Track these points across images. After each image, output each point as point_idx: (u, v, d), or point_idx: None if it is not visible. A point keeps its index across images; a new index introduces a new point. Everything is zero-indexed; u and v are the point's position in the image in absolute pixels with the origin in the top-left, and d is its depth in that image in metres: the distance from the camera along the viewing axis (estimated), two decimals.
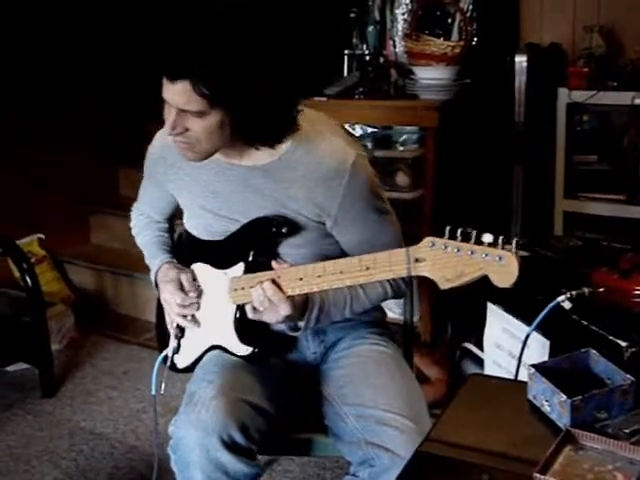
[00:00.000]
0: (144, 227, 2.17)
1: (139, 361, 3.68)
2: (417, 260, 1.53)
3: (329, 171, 1.78)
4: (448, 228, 1.47)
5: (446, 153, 3.26)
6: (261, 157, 1.82)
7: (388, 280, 1.86)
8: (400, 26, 3.58)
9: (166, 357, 2.03)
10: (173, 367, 2.04)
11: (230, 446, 1.72)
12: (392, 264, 1.58)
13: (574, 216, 3.44)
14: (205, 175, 1.89)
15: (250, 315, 1.80)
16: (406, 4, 3.57)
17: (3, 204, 3.88)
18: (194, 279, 1.96)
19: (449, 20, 3.55)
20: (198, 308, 1.96)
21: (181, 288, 1.94)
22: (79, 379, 3.55)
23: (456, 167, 3.36)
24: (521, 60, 3.47)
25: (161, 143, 1.96)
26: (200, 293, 1.95)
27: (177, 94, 1.65)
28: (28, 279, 3.28)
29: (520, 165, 3.57)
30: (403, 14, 3.58)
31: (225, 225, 1.90)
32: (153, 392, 2.02)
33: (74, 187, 4.40)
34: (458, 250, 1.45)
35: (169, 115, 1.69)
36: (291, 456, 2.78)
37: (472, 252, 1.43)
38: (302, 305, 1.79)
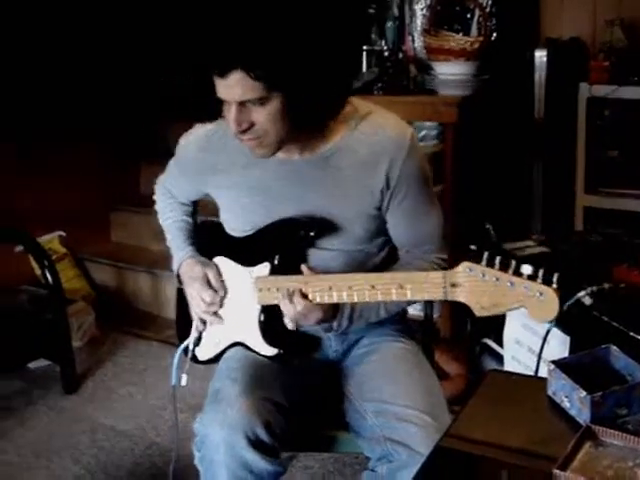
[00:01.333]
0: (169, 207, 2.14)
1: (159, 358, 3.69)
2: (453, 285, 1.52)
3: (391, 142, 1.79)
4: (486, 254, 1.46)
5: (466, 148, 3.25)
6: (320, 146, 1.81)
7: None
8: (419, 21, 3.57)
9: (187, 348, 2.03)
10: (194, 358, 2.04)
11: (255, 444, 1.72)
12: (428, 286, 1.57)
13: (595, 211, 3.41)
14: (256, 174, 1.86)
15: (288, 326, 1.81)
16: (425, 0, 3.56)
17: (24, 202, 3.91)
18: (219, 275, 1.95)
19: (468, 15, 3.53)
20: (222, 305, 1.95)
21: (208, 285, 1.94)
22: (100, 376, 3.57)
23: (476, 163, 3.35)
24: (541, 55, 3.45)
25: (198, 145, 1.93)
26: (225, 290, 1.95)
27: (232, 87, 1.61)
28: (49, 276, 3.30)
29: (540, 160, 3.55)
30: (422, 9, 3.57)
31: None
32: (173, 382, 2.02)
33: (95, 184, 4.42)
34: (497, 279, 1.44)
35: (230, 113, 1.66)
36: (312, 452, 2.78)
37: (512, 283, 1.42)
38: (331, 308, 1.79)
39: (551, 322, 1.40)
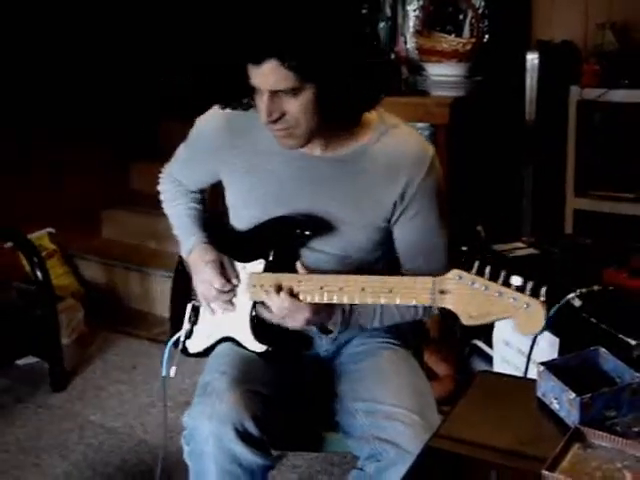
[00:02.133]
0: (177, 194, 2.10)
1: (149, 356, 3.68)
2: (442, 292, 1.53)
3: (411, 160, 1.79)
4: (477, 264, 1.46)
5: (457, 150, 3.25)
6: (341, 149, 1.81)
7: None
8: (411, 22, 3.58)
9: (177, 340, 2.02)
10: (184, 351, 2.03)
11: (244, 437, 1.72)
12: (416, 291, 1.58)
13: (585, 214, 3.43)
14: (274, 164, 1.85)
15: (270, 320, 1.81)
16: (417, 0, 3.57)
17: (15, 198, 3.90)
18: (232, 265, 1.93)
19: (460, 17, 3.54)
20: (235, 296, 1.93)
21: (221, 273, 1.91)
22: (89, 373, 3.56)
23: (467, 164, 3.36)
24: (533, 57, 3.47)
25: (217, 124, 1.89)
26: (238, 281, 1.91)
27: (266, 75, 1.60)
28: (39, 273, 3.30)
29: (531, 163, 3.57)
30: (414, 10, 3.58)
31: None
32: (163, 374, 2.02)
33: (85, 182, 4.41)
34: (486, 288, 1.44)
35: (262, 102, 1.65)
36: (301, 452, 2.78)
37: (500, 293, 1.42)
38: (325, 310, 1.79)
39: (536, 335, 1.39)
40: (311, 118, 1.67)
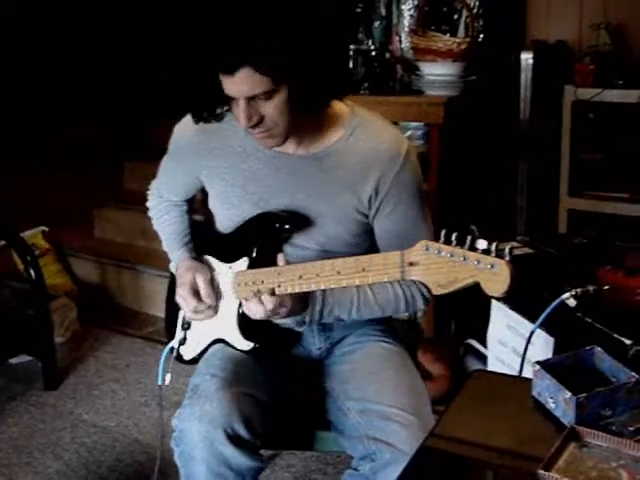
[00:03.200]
0: (163, 210, 2.13)
1: (142, 354, 3.68)
2: (411, 264, 1.52)
3: (384, 155, 1.79)
4: (444, 232, 1.45)
5: (451, 149, 3.26)
6: (315, 145, 1.82)
7: (402, 289, 1.87)
8: (406, 22, 3.59)
9: (172, 348, 2.03)
10: (179, 358, 2.03)
11: (234, 439, 1.71)
12: (387, 267, 1.57)
13: (579, 214, 3.43)
14: (251, 164, 1.87)
15: (253, 317, 1.81)
16: (412, 0, 3.57)
17: (8, 197, 3.89)
18: (210, 281, 1.93)
19: (455, 16, 3.55)
20: (216, 311, 1.94)
21: (195, 292, 1.92)
22: (82, 372, 3.55)
23: (461, 163, 3.36)
24: (527, 57, 3.47)
25: (194, 128, 1.90)
26: (218, 295, 1.93)
27: (240, 83, 1.62)
28: (32, 271, 3.28)
29: (525, 162, 3.57)
30: (409, 10, 3.59)
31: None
32: (159, 382, 2.01)
33: (78, 181, 4.41)
34: (451, 255, 1.43)
35: (239, 109, 1.66)
36: (293, 451, 2.78)
37: (465, 258, 1.41)
38: (303, 300, 1.80)
39: (503, 295, 1.38)
40: (287, 116, 1.69)
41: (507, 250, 1.38)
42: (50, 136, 4.17)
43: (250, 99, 1.65)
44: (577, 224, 3.41)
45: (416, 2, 3.56)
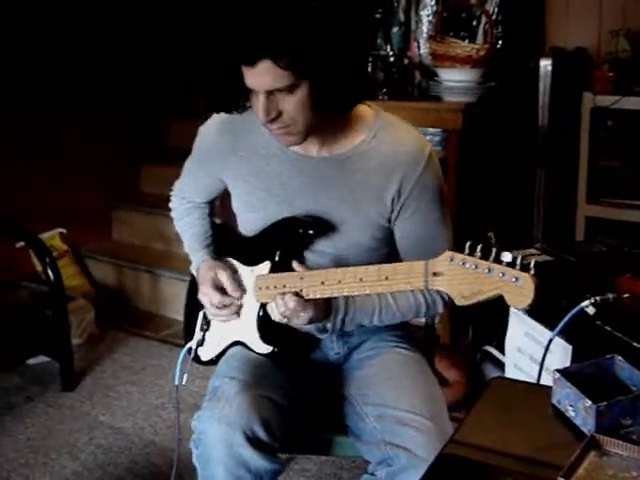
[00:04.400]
0: (184, 212, 2.13)
1: (158, 357, 3.70)
2: (435, 274, 1.53)
3: (407, 156, 1.80)
4: (468, 243, 1.47)
5: (469, 156, 3.26)
6: (338, 147, 1.83)
7: (423, 294, 1.87)
8: (425, 28, 3.58)
9: (190, 349, 2.04)
10: (197, 359, 2.04)
11: (253, 442, 1.72)
12: (410, 276, 1.58)
13: (596, 221, 3.42)
14: (275, 166, 1.87)
15: (274, 318, 1.81)
16: (431, 6, 3.57)
17: (27, 199, 3.91)
18: (234, 277, 1.94)
19: (474, 22, 3.55)
20: (238, 308, 1.95)
21: (217, 287, 1.93)
22: (99, 373, 3.57)
23: (479, 170, 3.36)
24: (546, 64, 3.47)
25: (219, 128, 1.92)
26: (242, 291, 1.94)
27: (261, 75, 1.61)
28: (50, 273, 3.30)
29: (543, 169, 3.56)
30: (428, 16, 3.58)
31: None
32: (176, 382, 2.03)
33: (96, 183, 4.43)
34: (476, 267, 1.44)
35: (258, 102, 1.66)
36: (310, 455, 2.78)
37: (489, 270, 1.42)
38: (325, 308, 1.80)
39: (527, 308, 1.39)
40: (308, 114, 1.68)
41: (532, 264, 1.38)
42: (68, 138, 4.19)
43: (270, 93, 1.64)
44: (594, 231, 3.40)
45: (435, 8, 3.56)
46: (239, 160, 1.90)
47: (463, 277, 1.47)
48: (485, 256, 1.44)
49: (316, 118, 1.71)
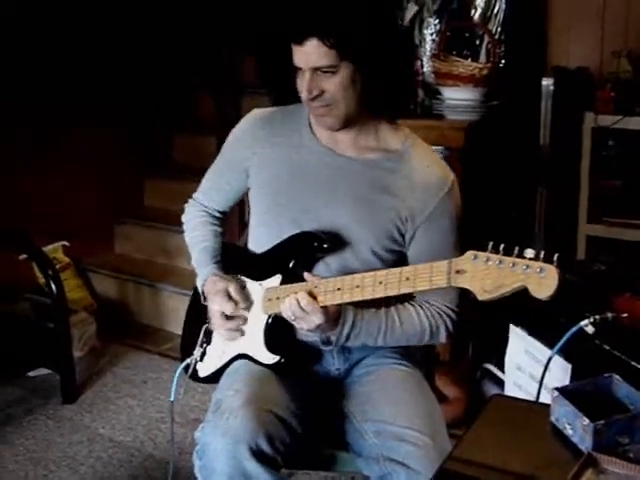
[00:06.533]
0: (196, 226, 2.15)
1: (159, 371, 3.70)
2: (458, 272, 1.55)
3: (432, 178, 1.88)
4: (491, 243, 1.50)
5: (471, 174, 3.26)
6: (368, 152, 1.91)
7: (428, 320, 1.89)
8: (428, 46, 3.61)
9: (188, 366, 2.04)
10: (194, 376, 2.05)
11: (257, 455, 1.72)
12: (433, 274, 1.61)
13: (597, 240, 3.43)
14: (303, 154, 1.95)
15: (285, 315, 1.82)
16: (435, 25, 3.60)
17: (30, 211, 3.93)
18: (242, 289, 1.96)
19: (477, 42, 3.57)
20: (245, 321, 1.96)
21: (229, 298, 1.94)
22: (99, 387, 3.57)
23: (481, 188, 3.36)
24: (548, 83, 3.49)
25: (259, 118, 2.02)
26: (250, 303, 1.96)
27: (308, 53, 1.75)
28: (53, 285, 3.31)
29: (544, 188, 3.58)
30: (431, 35, 3.61)
31: (295, 215, 1.92)
32: (172, 398, 2.03)
33: (100, 197, 4.44)
34: (500, 262, 1.47)
35: (303, 80, 1.78)
36: (310, 471, 2.78)
37: (514, 264, 1.45)
38: (334, 317, 1.81)
39: (549, 298, 1.41)
40: (349, 97, 1.80)
41: (556, 256, 1.42)
42: (72, 152, 4.20)
43: (314, 71, 1.76)
44: (595, 251, 3.41)
45: (438, 27, 3.58)
46: (271, 146, 1.97)
47: (486, 273, 1.49)
48: (508, 254, 1.47)
49: (356, 107, 1.82)
